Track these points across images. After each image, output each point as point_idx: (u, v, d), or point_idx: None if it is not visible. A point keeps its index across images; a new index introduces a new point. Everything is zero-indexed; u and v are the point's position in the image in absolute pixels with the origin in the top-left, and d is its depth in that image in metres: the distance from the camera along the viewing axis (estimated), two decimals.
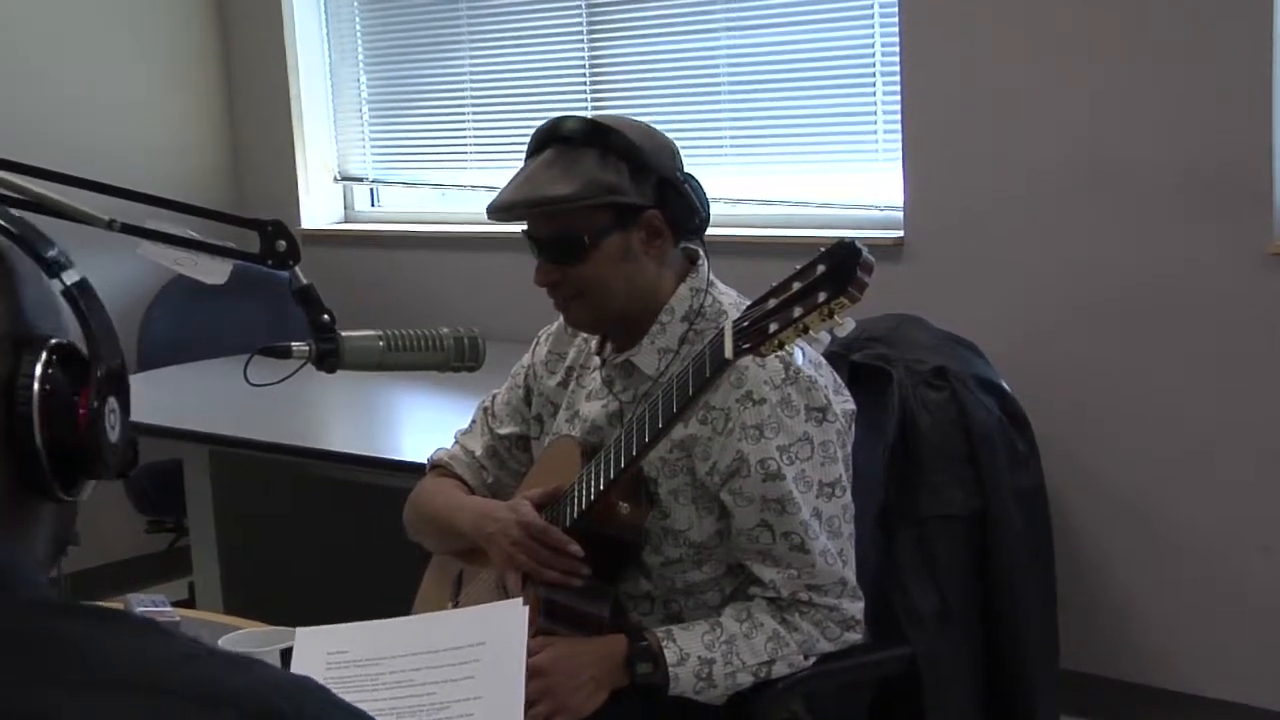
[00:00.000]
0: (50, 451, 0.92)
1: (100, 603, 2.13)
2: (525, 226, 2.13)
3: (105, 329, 0.99)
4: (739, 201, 4.13)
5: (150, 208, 1.72)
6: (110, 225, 1.64)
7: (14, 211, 1.03)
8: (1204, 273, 3.35)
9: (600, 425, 2.18)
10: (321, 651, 1.82)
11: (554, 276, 2.12)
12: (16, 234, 0.99)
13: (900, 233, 3.76)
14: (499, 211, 2.10)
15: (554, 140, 2.09)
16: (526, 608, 1.85)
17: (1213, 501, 3.40)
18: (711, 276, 2.17)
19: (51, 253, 1.00)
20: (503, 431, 2.36)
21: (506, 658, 1.78)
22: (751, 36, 4.07)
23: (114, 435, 0.97)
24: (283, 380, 1.79)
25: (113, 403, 0.97)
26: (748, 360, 1.92)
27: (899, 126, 3.76)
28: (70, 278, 1.00)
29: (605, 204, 2.05)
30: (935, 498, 2.53)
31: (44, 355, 0.93)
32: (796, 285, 1.76)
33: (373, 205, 5.19)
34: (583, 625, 2.08)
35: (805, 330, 1.75)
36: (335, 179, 5.13)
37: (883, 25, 3.80)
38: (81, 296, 1.00)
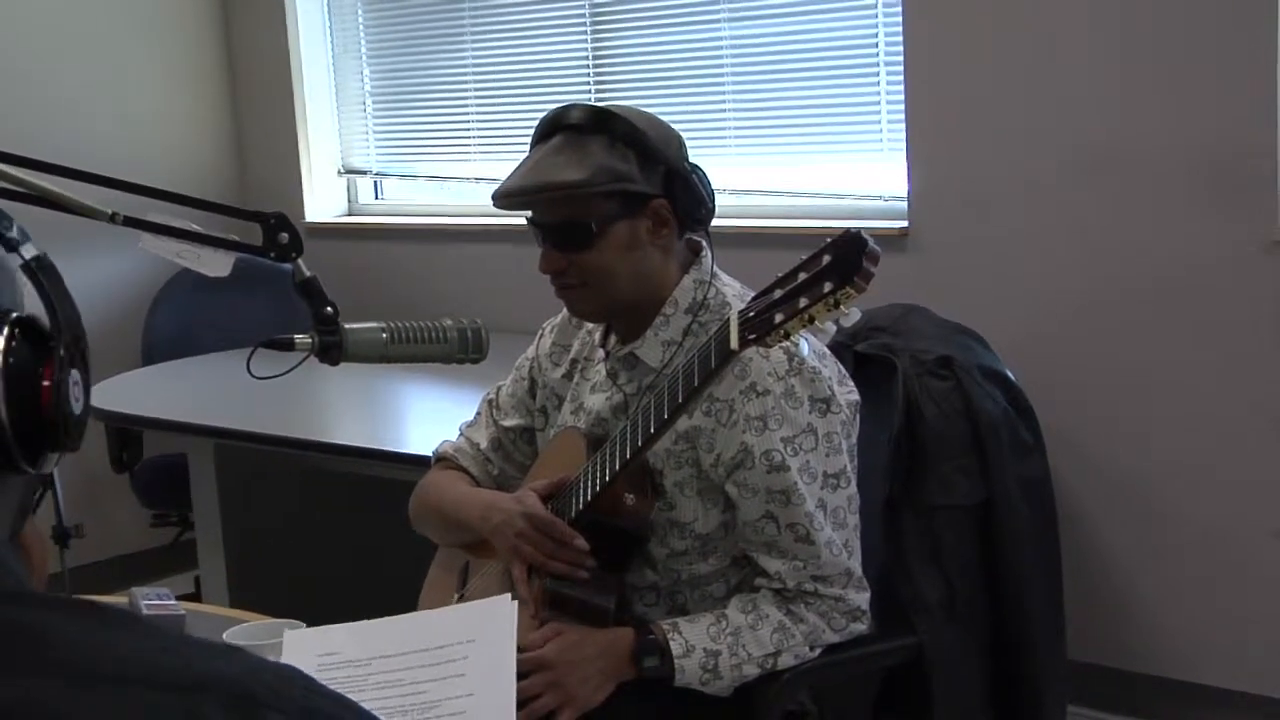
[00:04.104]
0: (15, 425, 0.92)
1: (105, 597, 2.12)
2: (530, 214, 2.12)
3: (66, 302, 0.99)
4: (743, 192, 4.13)
5: (153, 200, 1.72)
6: (112, 218, 1.64)
7: None
8: (1209, 261, 3.33)
9: (605, 417, 2.18)
10: (312, 653, 1.81)
11: (559, 264, 2.10)
12: None
13: (905, 223, 3.76)
14: (507, 197, 2.08)
15: (561, 127, 2.08)
16: (516, 603, 1.85)
17: (1221, 489, 3.39)
18: (715, 268, 2.16)
19: (10, 230, 1.00)
20: (507, 424, 2.36)
21: (497, 654, 1.77)
22: (754, 27, 4.07)
23: (77, 407, 0.97)
24: (286, 373, 1.78)
25: (75, 375, 0.97)
26: (752, 351, 1.91)
27: (903, 116, 3.75)
28: (29, 252, 1.00)
29: (614, 191, 2.03)
30: (941, 488, 2.53)
31: (5, 329, 0.92)
32: (802, 276, 1.75)
33: (376, 198, 5.19)
34: (589, 617, 2.08)
35: (811, 321, 1.75)
36: (339, 172, 5.13)
37: (886, 14, 3.79)
38: (41, 271, 1.00)
